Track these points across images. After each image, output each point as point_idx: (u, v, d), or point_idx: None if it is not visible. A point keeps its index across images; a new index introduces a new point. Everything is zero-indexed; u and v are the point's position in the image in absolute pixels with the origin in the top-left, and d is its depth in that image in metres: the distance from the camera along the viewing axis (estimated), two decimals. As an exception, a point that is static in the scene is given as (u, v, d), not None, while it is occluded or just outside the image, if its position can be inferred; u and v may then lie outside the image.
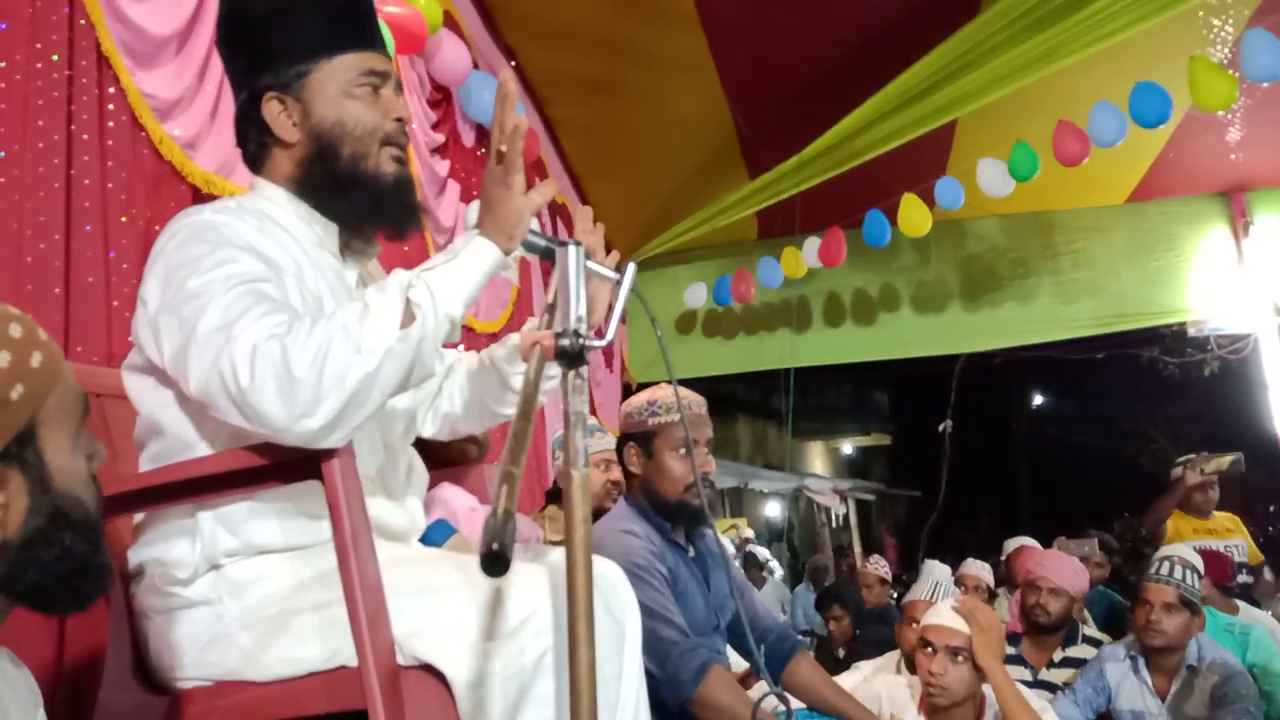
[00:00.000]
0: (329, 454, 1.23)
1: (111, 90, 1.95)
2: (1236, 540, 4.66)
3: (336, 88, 1.41)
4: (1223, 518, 4.77)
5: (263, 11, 1.42)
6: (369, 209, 1.44)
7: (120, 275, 1.93)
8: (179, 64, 2.14)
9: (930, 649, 2.53)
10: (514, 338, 1.61)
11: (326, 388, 1.17)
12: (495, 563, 0.84)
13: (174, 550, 1.33)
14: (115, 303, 1.90)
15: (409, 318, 1.23)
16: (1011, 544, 5.01)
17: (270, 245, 1.35)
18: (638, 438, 2.35)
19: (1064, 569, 3.40)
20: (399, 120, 1.44)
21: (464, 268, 1.29)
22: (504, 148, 1.30)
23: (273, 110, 1.41)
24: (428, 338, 1.23)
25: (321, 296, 1.39)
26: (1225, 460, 4.69)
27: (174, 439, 1.35)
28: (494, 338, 3.72)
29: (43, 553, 0.92)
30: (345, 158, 1.41)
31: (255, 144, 1.45)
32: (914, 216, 5.15)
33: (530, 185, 1.33)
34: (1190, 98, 4.09)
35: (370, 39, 1.46)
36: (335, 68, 1.41)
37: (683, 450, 2.28)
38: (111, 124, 1.94)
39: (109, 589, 1.19)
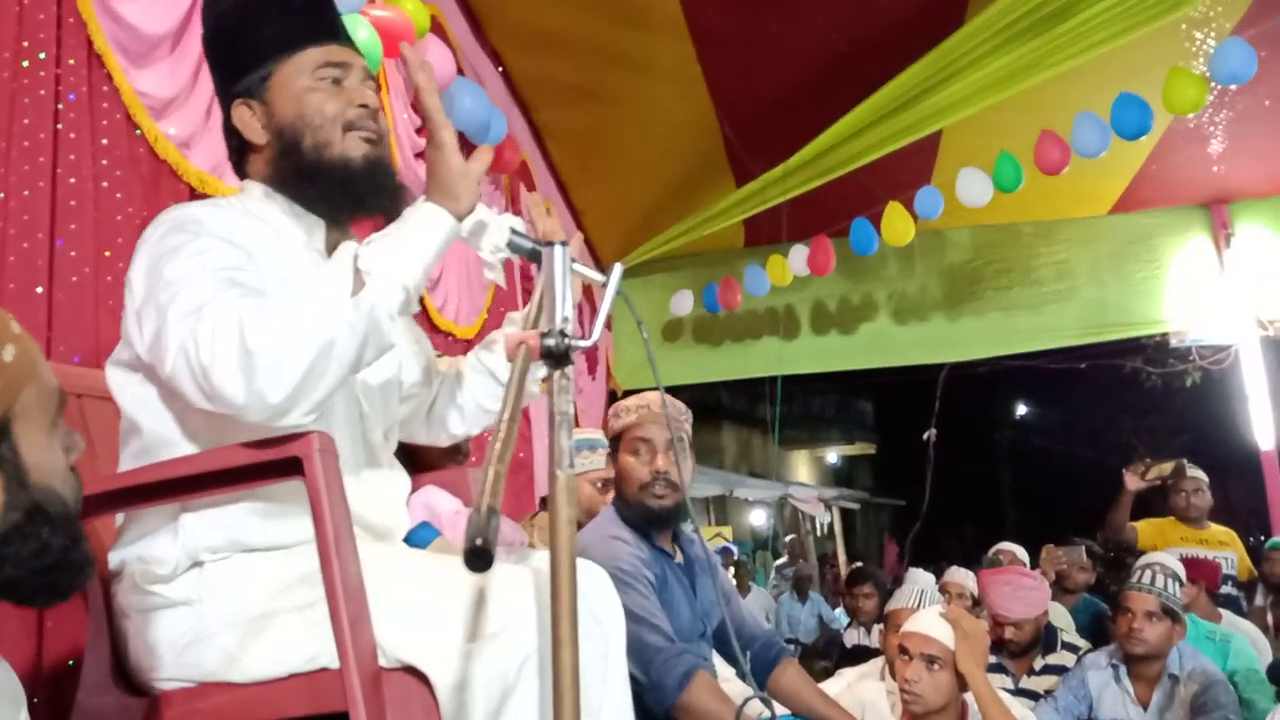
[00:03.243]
0: (309, 452, 1.23)
1: (104, 89, 1.94)
2: (1227, 553, 4.69)
3: (298, 85, 1.43)
4: (1218, 530, 4.79)
5: (230, 25, 1.47)
6: (339, 194, 1.44)
7: (116, 275, 1.90)
8: (173, 62, 2.13)
9: (907, 656, 2.54)
10: (499, 334, 1.62)
11: (283, 361, 1.17)
12: (478, 558, 0.83)
13: (155, 547, 1.32)
14: (111, 302, 1.89)
15: (360, 287, 1.23)
16: (994, 550, 5.04)
17: (253, 239, 1.37)
18: (610, 442, 2.40)
19: (1017, 602, 3.35)
20: (364, 106, 1.45)
21: (412, 233, 1.29)
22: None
23: (243, 116, 1.45)
24: (379, 304, 1.24)
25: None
26: (1167, 466, 4.75)
27: (152, 437, 1.35)
28: (471, 344, 3.72)
29: (19, 549, 0.91)
30: (308, 148, 1.42)
31: (235, 151, 1.50)
32: (897, 225, 5.17)
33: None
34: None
35: (329, 32, 1.49)
36: (294, 66, 1.44)
37: (640, 450, 2.29)
38: (105, 122, 1.92)
39: (88, 582, 1.18)
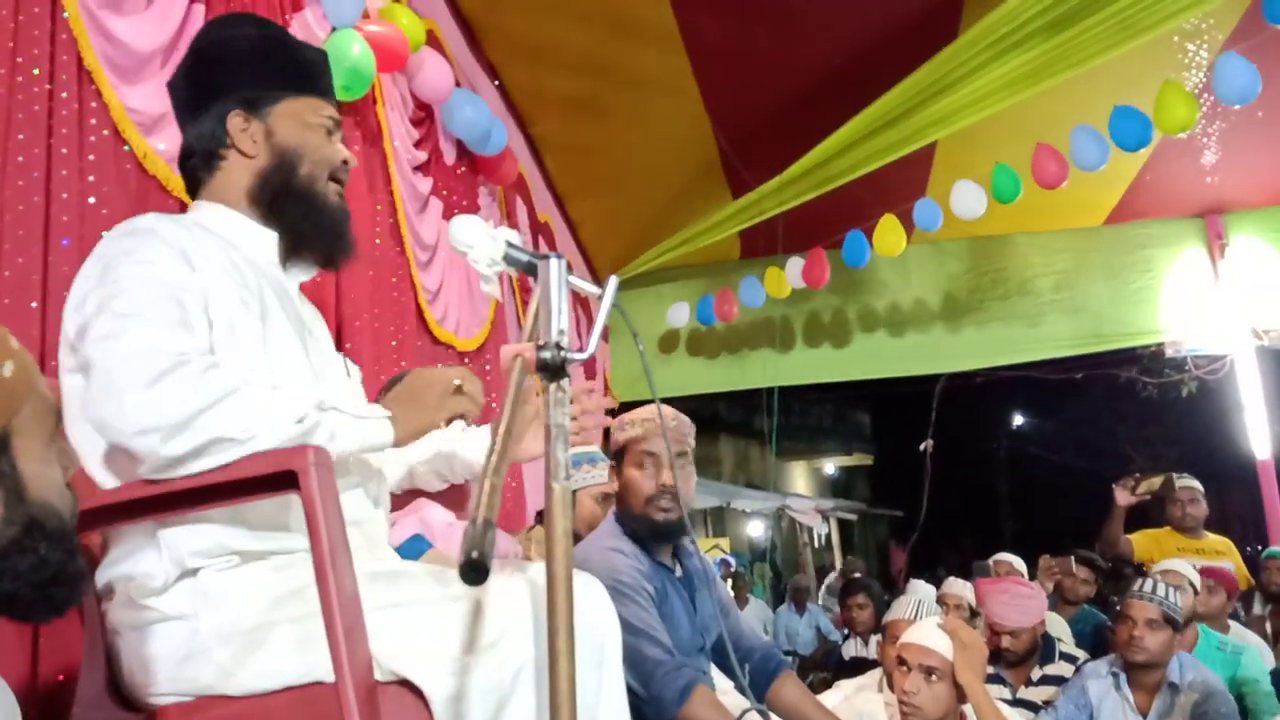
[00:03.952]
0: (305, 466, 1.23)
1: (93, 104, 1.94)
2: (1224, 563, 4.69)
3: (304, 119, 1.53)
4: (1215, 540, 4.79)
5: (243, 49, 1.53)
6: (311, 218, 1.53)
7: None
8: (164, 79, 2.13)
9: (905, 667, 2.53)
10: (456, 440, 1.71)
11: (198, 425, 1.21)
12: (474, 571, 0.83)
13: (142, 564, 1.32)
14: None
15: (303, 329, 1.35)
16: (992, 560, 5.05)
17: (207, 255, 1.40)
18: (614, 455, 2.38)
19: (1013, 610, 3.35)
20: (345, 163, 1.58)
21: (365, 433, 1.36)
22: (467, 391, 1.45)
23: (236, 124, 1.50)
24: (317, 437, 1.29)
25: (264, 297, 1.44)
26: (1156, 481, 4.76)
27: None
28: (471, 356, 3.71)
29: (17, 562, 0.91)
30: (303, 175, 1.52)
31: (207, 158, 1.52)
32: (889, 237, 5.18)
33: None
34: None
35: (331, 93, 1.61)
36: (300, 104, 1.54)
37: (647, 464, 2.28)
38: (93, 138, 1.93)
39: (84, 596, 1.18)
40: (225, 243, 1.45)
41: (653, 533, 2.28)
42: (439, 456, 1.74)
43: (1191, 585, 3.45)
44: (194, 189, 1.56)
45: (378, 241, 2.98)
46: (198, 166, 1.53)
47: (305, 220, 1.52)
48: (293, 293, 1.55)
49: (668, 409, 2.34)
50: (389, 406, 1.41)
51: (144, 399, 1.19)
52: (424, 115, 3.43)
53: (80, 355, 1.29)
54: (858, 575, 7.65)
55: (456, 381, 1.45)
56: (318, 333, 1.59)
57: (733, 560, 10.99)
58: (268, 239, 1.52)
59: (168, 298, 1.30)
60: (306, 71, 1.56)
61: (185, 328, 1.29)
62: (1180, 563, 3.72)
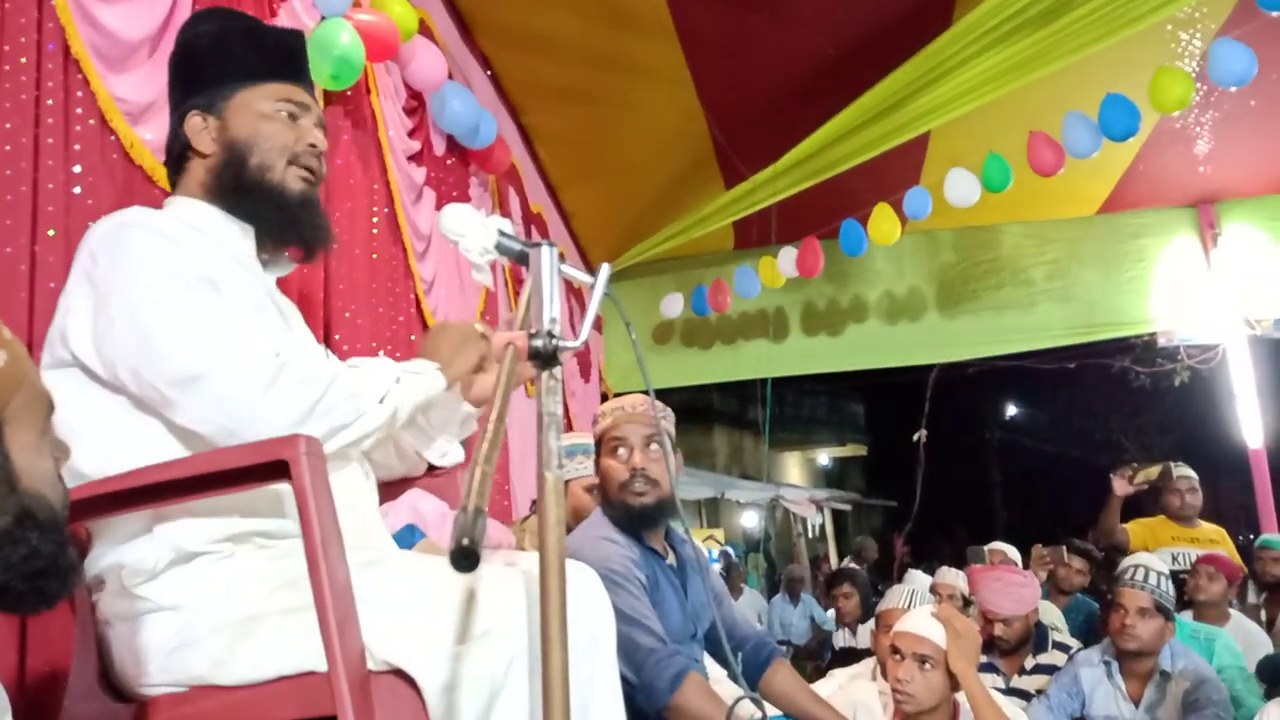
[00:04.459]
0: (296, 455, 1.22)
1: (79, 94, 1.92)
2: (1218, 551, 4.70)
3: (257, 109, 1.53)
4: (1208, 529, 4.80)
5: (205, 45, 1.55)
6: (269, 213, 1.53)
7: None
8: (151, 67, 2.11)
9: (899, 656, 2.53)
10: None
11: (318, 413, 1.31)
12: (465, 558, 0.83)
13: (132, 551, 1.32)
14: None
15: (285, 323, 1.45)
16: (986, 549, 5.07)
17: (199, 249, 1.41)
18: (596, 448, 2.40)
19: (1005, 599, 3.36)
20: (312, 146, 1.55)
21: (425, 386, 1.48)
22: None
23: (194, 125, 1.51)
24: (381, 427, 1.40)
25: (255, 294, 1.46)
26: (1154, 470, 4.77)
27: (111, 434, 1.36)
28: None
29: (9, 553, 0.90)
30: (252, 167, 1.51)
31: (176, 159, 1.55)
32: (883, 226, 5.18)
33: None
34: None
35: (297, 74, 1.59)
36: (258, 93, 1.53)
37: (619, 450, 2.29)
38: (79, 127, 1.91)
39: (75, 588, 1.17)
40: (203, 235, 1.46)
41: (629, 517, 2.28)
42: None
43: (1167, 575, 3.46)
44: (172, 186, 1.58)
45: (375, 232, 2.97)
46: (170, 167, 1.57)
47: (263, 211, 1.52)
48: (271, 285, 1.57)
49: (639, 397, 2.35)
50: (430, 358, 1.51)
51: (268, 403, 1.27)
52: (416, 105, 3.41)
53: (104, 358, 1.32)
54: (854, 565, 7.68)
55: (479, 328, 1.58)
56: (295, 326, 1.60)
57: (731, 551, 11.00)
58: (244, 232, 1.53)
59: (228, 293, 1.35)
60: (267, 58, 1.56)
61: (251, 320, 1.36)
62: (1150, 556, 3.74)
